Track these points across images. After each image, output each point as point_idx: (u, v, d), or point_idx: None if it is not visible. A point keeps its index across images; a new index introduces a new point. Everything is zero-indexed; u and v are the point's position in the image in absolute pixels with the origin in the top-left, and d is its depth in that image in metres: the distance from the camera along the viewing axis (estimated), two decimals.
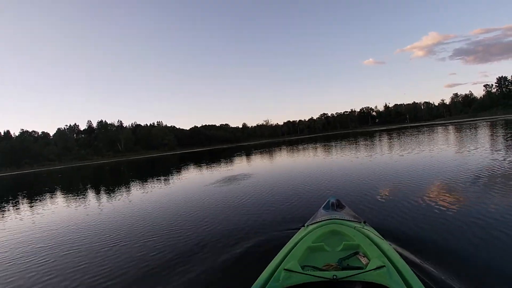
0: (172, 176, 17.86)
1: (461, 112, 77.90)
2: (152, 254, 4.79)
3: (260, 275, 2.37)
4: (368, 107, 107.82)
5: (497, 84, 77.60)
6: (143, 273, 4.12)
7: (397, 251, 2.66)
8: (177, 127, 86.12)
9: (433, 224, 4.71)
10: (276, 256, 2.72)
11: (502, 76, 75.58)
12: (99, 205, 10.30)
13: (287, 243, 3.08)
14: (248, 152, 36.90)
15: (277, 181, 10.94)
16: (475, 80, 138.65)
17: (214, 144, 74.96)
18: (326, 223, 3.30)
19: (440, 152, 13.36)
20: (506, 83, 75.42)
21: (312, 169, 13.41)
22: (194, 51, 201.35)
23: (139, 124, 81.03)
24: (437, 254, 3.63)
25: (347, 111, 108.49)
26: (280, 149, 35.19)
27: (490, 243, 3.84)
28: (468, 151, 12.62)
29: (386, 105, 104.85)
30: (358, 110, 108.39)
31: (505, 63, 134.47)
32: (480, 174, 7.71)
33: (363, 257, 2.35)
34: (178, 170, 22.29)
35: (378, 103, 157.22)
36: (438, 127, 43.21)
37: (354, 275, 1.95)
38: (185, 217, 7.05)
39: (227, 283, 3.55)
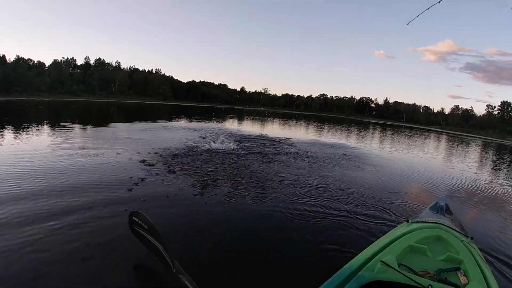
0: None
1: (457, 124, 78.55)
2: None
3: (352, 260, 2.40)
4: (368, 97, 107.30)
5: (499, 107, 78.29)
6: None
7: (497, 279, 2.50)
8: (175, 78, 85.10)
9: None
10: (371, 246, 2.72)
11: (506, 101, 76.56)
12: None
13: (385, 235, 3.06)
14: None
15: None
16: (479, 98, 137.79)
17: (210, 102, 74.44)
18: (433, 226, 3.16)
19: None
20: (509, 109, 76.09)
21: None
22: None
23: (137, 69, 79.24)
24: None
25: (347, 97, 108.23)
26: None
27: None
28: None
29: (386, 99, 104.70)
30: (358, 98, 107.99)
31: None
32: None
33: (463, 276, 2.24)
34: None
35: (378, 96, 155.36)
36: (432, 133, 44.24)
37: None
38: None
39: (314, 264, 3.44)
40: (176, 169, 6.66)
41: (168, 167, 6.79)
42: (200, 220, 4.23)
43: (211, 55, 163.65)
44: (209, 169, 6.88)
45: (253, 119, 33.56)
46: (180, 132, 13.33)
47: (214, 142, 10.73)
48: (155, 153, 8.13)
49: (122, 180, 5.58)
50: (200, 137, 12.26)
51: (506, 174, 13.53)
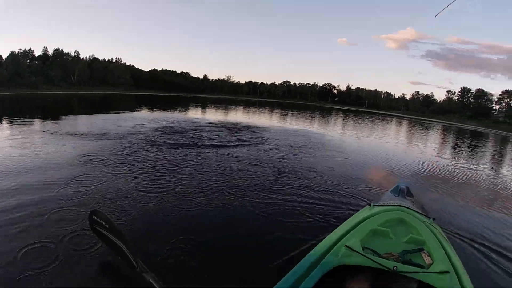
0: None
1: (418, 110, 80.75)
2: None
3: (317, 246, 2.43)
4: (331, 84, 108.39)
5: (459, 93, 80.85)
6: None
7: (459, 257, 2.55)
8: (136, 67, 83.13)
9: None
10: (335, 231, 2.74)
11: (466, 87, 79.30)
12: None
13: (349, 220, 3.07)
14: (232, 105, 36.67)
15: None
16: (439, 84, 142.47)
17: (173, 90, 73.34)
18: (395, 209, 3.19)
19: None
20: (468, 95, 78.77)
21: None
22: None
23: (97, 58, 76.86)
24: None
25: (310, 84, 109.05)
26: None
27: None
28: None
29: (348, 86, 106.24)
30: (321, 85, 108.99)
31: (472, 76, 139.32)
32: None
33: (427, 256, 2.28)
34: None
35: (341, 83, 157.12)
36: (393, 118, 45.53)
37: (415, 272, 1.95)
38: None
39: (279, 253, 3.33)
40: (133, 164, 6.35)
41: (125, 162, 6.48)
42: (161, 218, 4.03)
43: (173, 42, 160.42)
44: (167, 162, 6.64)
45: (216, 107, 33.26)
46: (136, 123, 12.85)
47: (174, 132, 10.49)
48: (114, 147, 7.70)
49: (72, 178, 5.16)
50: (156, 128, 11.81)
51: (465, 156, 14.10)
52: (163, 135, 9.91)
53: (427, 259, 2.23)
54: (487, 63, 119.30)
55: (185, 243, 3.39)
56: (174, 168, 6.21)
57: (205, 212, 4.31)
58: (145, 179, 5.40)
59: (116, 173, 5.58)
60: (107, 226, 2.79)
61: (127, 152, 7.22)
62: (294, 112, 34.53)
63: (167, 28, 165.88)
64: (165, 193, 4.82)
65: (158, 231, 3.66)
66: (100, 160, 6.37)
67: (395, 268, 1.93)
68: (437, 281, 1.89)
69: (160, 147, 8.06)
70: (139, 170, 5.86)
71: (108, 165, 6.08)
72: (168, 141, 8.99)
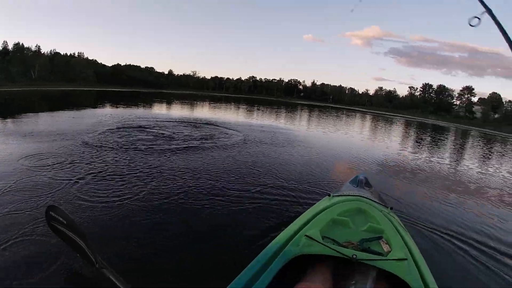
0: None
1: (381, 105, 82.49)
2: None
3: (277, 237, 2.42)
4: (297, 80, 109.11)
5: (421, 89, 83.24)
6: None
7: (417, 244, 2.64)
8: (99, 62, 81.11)
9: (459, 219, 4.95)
10: (297, 221, 2.75)
11: (427, 83, 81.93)
12: None
13: (309, 210, 3.10)
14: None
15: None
16: (402, 80, 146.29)
17: (136, 86, 71.97)
18: (354, 199, 3.25)
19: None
20: (430, 90, 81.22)
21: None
22: None
23: (58, 53, 74.40)
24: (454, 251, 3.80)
25: (276, 79, 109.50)
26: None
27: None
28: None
29: (314, 82, 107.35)
30: (286, 80, 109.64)
31: (433, 73, 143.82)
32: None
33: (386, 244, 2.34)
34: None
35: (306, 78, 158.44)
36: (357, 113, 46.34)
37: (374, 260, 1.98)
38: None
39: (241, 247, 3.37)
40: (85, 164, 6.03)
41: (75, 162, 6.13)
42: (120, 214, 3.86)
43: (136, 36, 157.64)
44: (121, 162, 6.32)
45: (181, 103, 32.79)
46: (92, 121, 12.41)
47: (133, 130, 10.23)
48: (65, 147, 7.25)
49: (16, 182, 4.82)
50: (114, 126, 11.47)
51: (425, 148, 14.56)
52: (121, 132, 9.55)
53: (385, 247, 2.28)
54: (449, 61, 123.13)
55: (143, 241, 3.31)
56: (128, 168, 5.91)
57: (164, 209, 4.18)
58: (98, 178, 5.14)
59: (65, 175, 5.23)
60: (65, 222, 2.67)
61: (80, 152, 6.81)
62: (259, 108, 34.52)
63: (131, 22, 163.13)
64: (119, 193, 4.60)
65: (115, 230, 3.51)
66: (48, 162, 5.96)
67: (354, 256, 1.96)
68: (395, 268, 1.92)
69: (117, 145, 7.66)
70: (90, 170, 5.55)
71: (57, 167, 5.69)
72: (125, 139, 8.61)
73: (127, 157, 6.59)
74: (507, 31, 2.81)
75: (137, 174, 5.51)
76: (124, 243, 3.20)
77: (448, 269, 3.38)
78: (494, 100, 64.51)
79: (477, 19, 2.98)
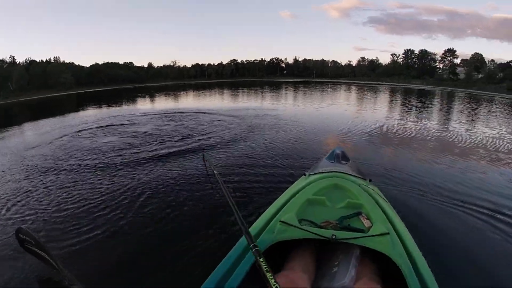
0: None
1: (365, 74, 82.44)
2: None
3: (253, 224, 2.34)
4: (278, 58, 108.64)
5: (403, 55, 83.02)
6: None
7: (400, 215, 2.62)
8: (76, 64, 79.99)
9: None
10: (272, 206, 2.65)
11: (409, 49, 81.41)
12: None
13: (285, 193, 3.00)
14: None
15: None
16: (383, 48, 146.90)
17: (117, 83, 71.16)
18: (330, 175, 3.14)
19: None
20: (412, 56, 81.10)
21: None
22: None
23: (34, 60, 73.26)
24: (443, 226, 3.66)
25: (257, 60, 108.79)
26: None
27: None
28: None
29: (295, 58, 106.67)
30: (268, 60, 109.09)
31: (414, 38, 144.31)
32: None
33: (366, 219, 2.27)
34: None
35: (288, 56, 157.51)
36: (342, 85, 46.19)
37: (355, 238, 1.92)
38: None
39: (216, 237, 3.38)
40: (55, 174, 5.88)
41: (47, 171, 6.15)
42: (86, 227, 3.71)
43: (112, 32, 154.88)
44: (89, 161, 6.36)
45: (163, 95, 32.35)
46: (66, 124, 12.35)
47: (110, 129, 10.33)
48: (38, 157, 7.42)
49: None
50: (90, 128, 11.55)
51: (407, 115, 14.45)
52: (96, 132, 9.49)
53: (366, 222, 2.22)
54: (428, 25, 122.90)
55: (111, 248, 3.28)
56: (101, 173, 5.72)
57: (136, 211, 4.09)
58: (68, 189, 4.97)
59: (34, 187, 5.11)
60: (33, 242, 2.77)
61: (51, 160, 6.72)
62: (240, 90, 34.28)
63: (105, 18, 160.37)
64: (87, 202, 4.45)
65: (86, 243, 3.39)
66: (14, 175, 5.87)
67: (333, 237, 1.90)
68: (377, 244, 1.87)
69: (79, 151, 7.41)
70: (60, 180, 5.40)
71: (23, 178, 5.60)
72: (100, 139, 8.59)
73: (92, 162, 6.38)
74: None
75: (105, 181, 5.27)
76: (91, 255, 3.14)
77: (434, 240, 3.31)
78: (477, 60, 64.64)
79: None
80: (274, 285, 0.78)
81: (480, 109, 17.78)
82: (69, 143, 8.02)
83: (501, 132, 9.83)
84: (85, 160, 6.45)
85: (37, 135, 9.65)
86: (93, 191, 4.74)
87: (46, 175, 5.61)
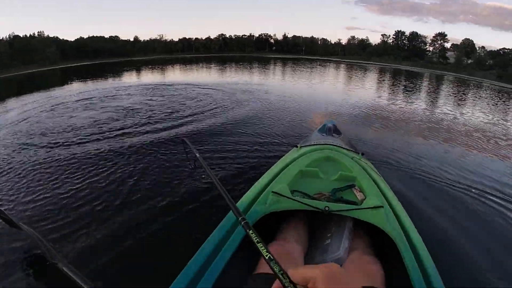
0: None
1: (355, 53, 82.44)
2: None
3: (244, 196, 2.25)
4: (267, 33, 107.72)
5: (394, 36, 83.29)
6: None
7: (392, 188, 2.60)
8: (61, 38, 78.28)
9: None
10: (264, 176, 2.60)
11: (400, 30, 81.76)
12: None
13: (277, 163, 2.97)
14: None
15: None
16: (373, 28, 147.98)
17: (103, 57, 70.08)
18: (322, 148, 3.15)
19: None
20: (403, 37, 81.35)
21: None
22: None
23: (18, 35, 71.55)
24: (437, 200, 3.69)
25: (246, 35, 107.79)
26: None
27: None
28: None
29: (285, 34, 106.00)
30: (257, 35, 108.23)
31: (405, 20, 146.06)
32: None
33: (359, 192, 2.25)
34: None
35: (277, 32, 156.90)
36: (332, 63, 46.25)
37: (348, 210, 1.88)
38: None
39: (210, 207, 3.38)
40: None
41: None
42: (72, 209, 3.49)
43: (97, 4, 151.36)
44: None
45: (150, 69, 31.75)
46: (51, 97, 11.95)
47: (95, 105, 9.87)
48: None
49: None
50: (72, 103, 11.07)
51: (396, 94, 14.57)
52: (76, 106, 9.26)
53: (359, 195, 2.19)
54: (420, 7, 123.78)
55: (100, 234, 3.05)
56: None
57: (121, 199, 3.77)
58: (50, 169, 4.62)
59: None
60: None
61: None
62: (228, 66, 33.74)
63: None
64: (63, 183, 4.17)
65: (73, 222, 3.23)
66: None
67: (326, 208, 1.85)
68: (371, 217, 1.84)
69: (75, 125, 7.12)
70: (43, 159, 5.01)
71: None
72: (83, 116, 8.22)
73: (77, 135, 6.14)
74: None
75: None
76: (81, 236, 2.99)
77: (427, 213, 3.32)
78: (467, 46, 65.31)
79: None
80: (266, 255, 0.69)
81: (469, 93, 18.26)
82: (47, 119, 7.59)
83: (491, 116, 10.11)
84: (59, 138, 5.99)
85: (15, 112, 9.25)
86: (65, 172, 4.38)
87: (18, 153, 5.27)
